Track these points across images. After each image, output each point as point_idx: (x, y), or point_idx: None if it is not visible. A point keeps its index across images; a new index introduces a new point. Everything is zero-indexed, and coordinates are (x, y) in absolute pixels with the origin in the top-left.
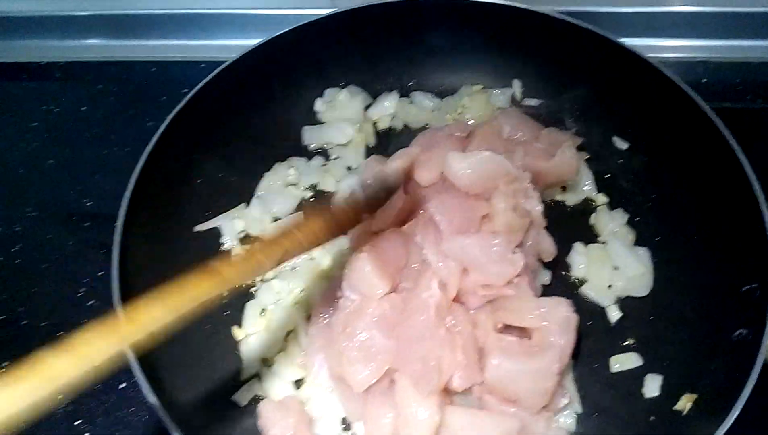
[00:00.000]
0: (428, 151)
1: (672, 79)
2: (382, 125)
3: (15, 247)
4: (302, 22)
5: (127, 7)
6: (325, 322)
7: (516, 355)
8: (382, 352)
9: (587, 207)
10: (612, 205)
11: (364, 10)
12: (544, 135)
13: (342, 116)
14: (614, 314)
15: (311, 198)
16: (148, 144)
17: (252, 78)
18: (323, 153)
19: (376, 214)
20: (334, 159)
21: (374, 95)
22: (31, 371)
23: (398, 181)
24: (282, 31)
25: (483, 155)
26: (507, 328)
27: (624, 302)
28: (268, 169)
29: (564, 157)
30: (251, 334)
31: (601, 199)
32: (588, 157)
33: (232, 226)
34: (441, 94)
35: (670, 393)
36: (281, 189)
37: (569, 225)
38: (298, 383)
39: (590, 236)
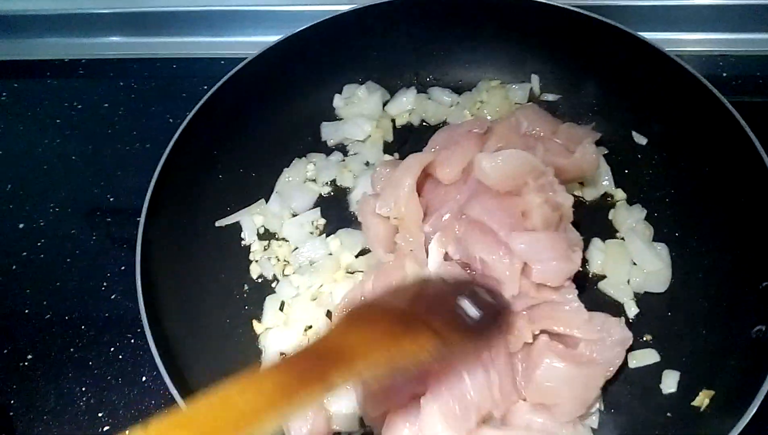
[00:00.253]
0: (447, 148)
1: (691, 73)
2: (401, 121)
3: (39, 243)
4: (320, 19)
5: (147, 4)
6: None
7: (567, 360)
8: None
9: (605, 202)
10: (630, 201)
11: (382, 5)
12: (563, 130)
13: (360, 112)
14: (632, 310)
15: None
16: (171, 140)
17: (271, 75)
18: (342, 149)
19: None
20: (353, 155)
21: (392, 91)
22: None
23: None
24: (301, 28)
25: (510, 152)
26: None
27: (642, 298)
28: (287, 165)
29: (584, 153)
30: (270, 328)
31: (620, 194)
32: (606, 152)
33: (252, 221)
34: (459, 89)
35: (688, 389)
36: (300, 185)
37: (587, 220)
38: None
39: (609, 232)
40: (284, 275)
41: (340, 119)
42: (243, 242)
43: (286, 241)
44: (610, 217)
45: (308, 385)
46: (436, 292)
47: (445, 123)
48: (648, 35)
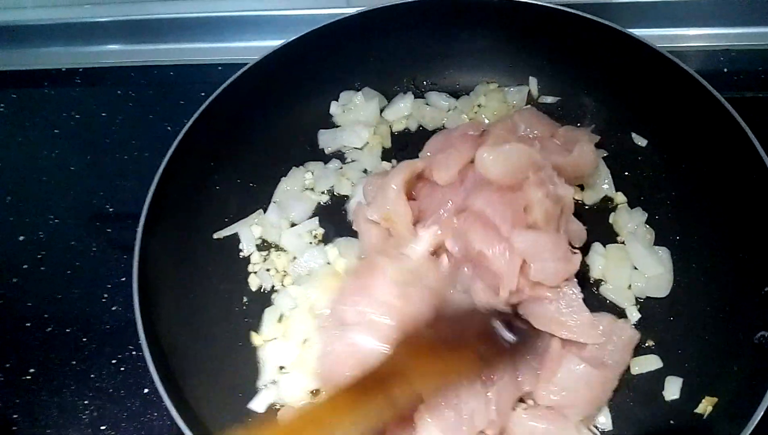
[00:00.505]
0: (442, 151)
1: (689, 72)
2: (398, 127)
3: (39, 254)
4: (317, 24)
5: (144, 12)
6: None
7: (586, 362)
8: None
9: (606, 206)
10: (631, 204)
11: (377, 11)
12: (561, 132)
13: (357, 119)
14: (634, 315)
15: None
16: (169, 148)
17: (267, 82)
18: (339, 156)
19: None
20: (350, 162)
21: (389, 97)
22: None
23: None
24: (296, 36)
25: (510, 146)
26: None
27: (643, 303)
28: (285, 174)
29: (581, 152)
30: (269, 340)
31: (620, 198)
32: (606, 154)
33: (250, 232)
34: (456, 93)
35: (691, 396)
36: (298, 194)
37: (588, 224)
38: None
39: (609, 236)
40: (283, 286)
41: (338, 126)
42: (242, 253)
43: (285, 251)
44: (610, 221)
45: (373, 401)
46: (474, 317)
47: (442, 127)
48: (648, 32)
